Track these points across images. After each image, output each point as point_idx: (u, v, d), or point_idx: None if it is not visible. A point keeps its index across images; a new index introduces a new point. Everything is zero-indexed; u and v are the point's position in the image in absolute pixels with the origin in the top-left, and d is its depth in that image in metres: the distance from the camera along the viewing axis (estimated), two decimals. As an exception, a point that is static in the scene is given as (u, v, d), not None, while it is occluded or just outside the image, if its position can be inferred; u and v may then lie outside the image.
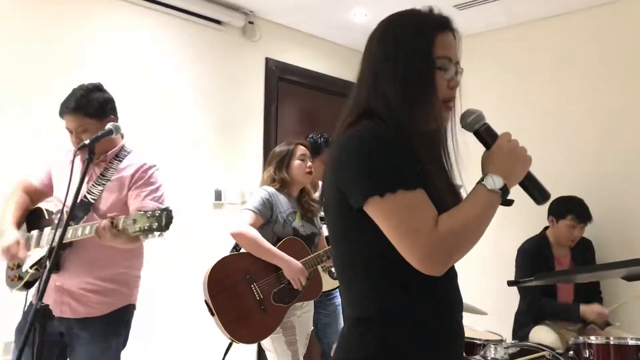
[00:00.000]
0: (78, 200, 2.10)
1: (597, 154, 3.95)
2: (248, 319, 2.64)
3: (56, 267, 2.24)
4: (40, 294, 1.74)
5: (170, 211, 1.95)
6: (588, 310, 3.45)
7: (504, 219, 4.22)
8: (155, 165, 2.41)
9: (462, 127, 1.33)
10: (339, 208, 1.26)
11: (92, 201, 2.30)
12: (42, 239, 2.34)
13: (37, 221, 2.43)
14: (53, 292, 2.28)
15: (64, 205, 2.11)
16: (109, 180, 2.33)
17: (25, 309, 2.36)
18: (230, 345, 2.82)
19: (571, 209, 3.55)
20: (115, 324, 2.35)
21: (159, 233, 1.95)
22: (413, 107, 1.24)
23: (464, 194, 1.30)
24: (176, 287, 3.60)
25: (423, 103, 1.24)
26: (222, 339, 2.70)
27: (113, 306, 2.34)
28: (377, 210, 1.19)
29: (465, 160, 1.38)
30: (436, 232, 1.15)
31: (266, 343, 2.80)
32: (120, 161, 2.38)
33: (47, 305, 1.72)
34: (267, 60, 4.35)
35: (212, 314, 2.63)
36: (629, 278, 2.01)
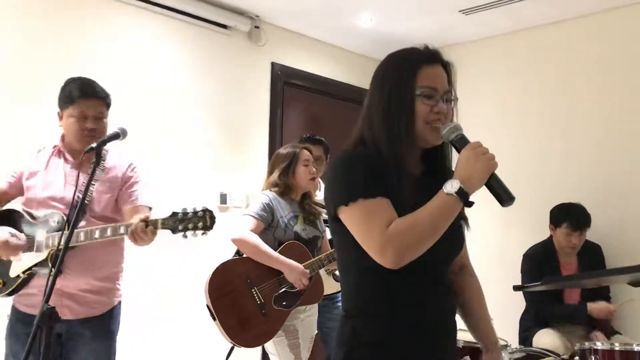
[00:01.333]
0: (75, 203, 2.18)
1: (603, 159, 3.93)
2: (249, 324, 2.64)
3: (58, 270, 2.22)
4: (47, 296, 1.75)
5: (212, 211, 2.12)
6: (595, 307, 3.44)
7: (508, 226, 4.26)
8: (139, 163, 2.47)
9: (442, 139, 1.44)
10: (331, 218, 1.48)
11: (87, 202, 2.27)
12: (42, 242, 2.26)
13: (15, 224, 2.32)
14: (52, 294, 2.26)
15: (75, 206, 2.15)
16: (96, 180, 2.31)
17: (9, 315, 2.33)
18: (231, 349, 2.82)
19: (567, 216, 3.55)
20: (113, 321, 2.39)
21: (202, 232, 2.10)
22: (391, 131, 1.41)
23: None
24: (180, 291, 3.60)
25: (400, 128, 1.41)
26: (224, 343, 2.70)
27: (110, 304, 2.38)
28: (344, 217, 1.41)
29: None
30: (386, 231, 1.32)
31: (269, 347, 2.80)
32: (104, 160, 2.36)
33: (54, 308, 1.73)
34: (273, 64, 4.37)
35: (214, 319, 2.63)
36: (635, 284, 2.00)
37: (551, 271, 3.54)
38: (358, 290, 1.46)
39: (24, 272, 2.25)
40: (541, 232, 3.74)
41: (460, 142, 1.41)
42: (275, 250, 2.75)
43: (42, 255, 2.23)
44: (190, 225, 2.09)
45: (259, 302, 2.68)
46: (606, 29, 3.99)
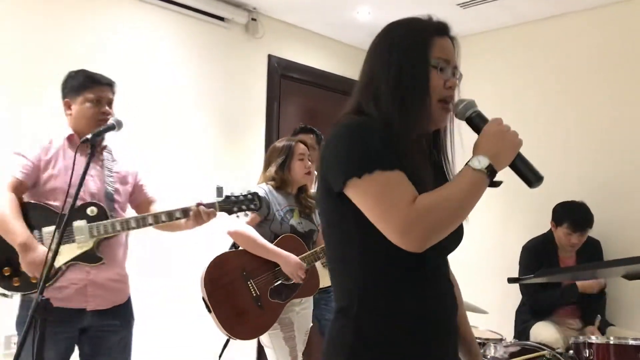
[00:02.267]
0: (104, 193, 2.32)
1: (603, 155, 3.92)
2: (245, 316, 2.65)
3: (100, 260, 2.27)
4: (42, 287, 1.75)
5: (258, 193, 2.47)
6: (585, 284, 3.46)
7: (507, 218, 4.27)
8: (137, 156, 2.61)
9: (454, 115, 1.35)
10: (325, 197, 1.30)
11: (112, 192, 2.38)
12: (85, 232, 2.25)
13: (45, 219, 2.25)
14: (86, 287, 2.28)
15: (106, 196, 2.32)
16: (113, 172, 2.41)
17: (22, 302, 2.31)
18: (227, 342, 2.83)
19: (569, 216, 3.55)
20: (131, 308, 2.50)
21: (253, 211, 2.46)
22: (404, 105, 1.26)
23: None
24: (175, 283, 3.60)
25: (414, 102, 1.27)
26: (220, 335, 2.71)
27: (128, 292, 2.48)
28: (355, 191, 1.21)
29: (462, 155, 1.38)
30: (412, 207, 1.16)
31: (264, 339, 2.81)
32: (110, 153, 2.45)
33: (48, 299, 1.73)
34: (270, 57, 4.35)
35: (209, 311, 2.64)
36: (630, 277, 1.99)
37: (550, 265, 3.55)
38: (359, 285, 1.27)
39: (65, 264, 2.24)
40: (540, 226, 3.74)
41: (479, 119, 1.32)
42: (272, 243, 2.75)
43: (88, 246, 2.24)
44: (243, 207, 2.39)
45: (254, 295, 2.68)
46: (605, 24, 3.98)
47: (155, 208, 2.49)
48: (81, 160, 2.24)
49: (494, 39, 4.47)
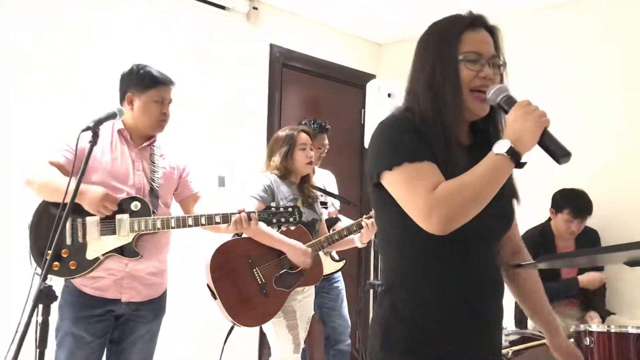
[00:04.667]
0: (149, 188, 2.37)
1: (604, 144, 3.92)
2: (250, 303, 2.67)
3: (137, 255, 2.30)
4: (44, 274, 1.76)
5: (299, 207, 2.50)
6: (586, 279, 3.47)
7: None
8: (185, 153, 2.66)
9: (489, 102, 1.39)
10: (371, 188, 1.42)
11: (157, 188, 2.41)
12: (127, 225, 2.28)
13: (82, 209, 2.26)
14: (122, 278, 2.31)
15: (151, 192, 2.37)
16: (160, 167, 2.46)
17: (64, 287, 2.33)
18: (231, 328, 2.84)
19: (569, 203, 3.55)
20: (165, 301, 2.54)
21: (293, 225, 2.48)
22: (437, 99, 1.36)
23: None
24: (178, 271, 3.61)
25: (446, 96, 1.35)
26: (224, 322, 2.72)
27: (164, 286, 2.52)
28: (388, 182, 1.34)
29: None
30: (433, 193, 1.25)
31: (267, 327, 2.83)
32: (159, 148, 2.50)
33: (51, 287, 1.74)
34: (272, 46, 4.34)
35: (214, 298, 2.66)
36: (631, 263, 1.99)
37: (547, 254, 3.55)
38: (399, 264, 1.40)
39: (104, 255, 2.27)
40: (539, 215, 3.74)
41: (508, 103, 1.35)
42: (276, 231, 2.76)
43: (127, 239, 2.27)
44: (282, 219, 2.41)
45: (260, 282, 2.70)
46: (608, 13, 3.95)
47: (200, 204, 2.54)
48: (137, 158, 2.38)
49: (504, 25, 4.42)
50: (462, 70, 1.36)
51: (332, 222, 3.39)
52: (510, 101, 1.35)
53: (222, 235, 2.85)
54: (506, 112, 1.35)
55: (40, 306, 1.70)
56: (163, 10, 3.77)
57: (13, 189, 3.01)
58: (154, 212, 2.33)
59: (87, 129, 2.06)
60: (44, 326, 1.71)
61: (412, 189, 1.28)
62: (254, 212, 2.37)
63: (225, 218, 2.34)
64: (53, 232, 1.88)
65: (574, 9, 4.11)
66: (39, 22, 3.24)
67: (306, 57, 4.55)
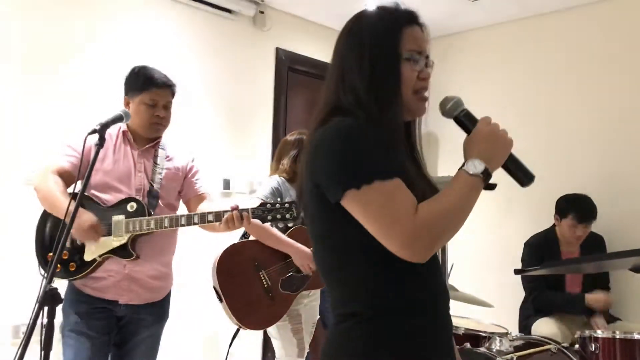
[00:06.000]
0: (148, 189, 2.34)
1: (608, 149, 3.92)
2: (256, 306, 2.67)
3: (135, 255, 2.28)
4: (50, 276, 1.76)
5: (296, 202, 2.30)
6: (592, 298, 3.44)
7: (510, 212, 4.25)
8: (195, 154, 2.63)
9: (442, 114, 1.32)
10: (318, 204, 1.25)
11: (158, 189, 2.39)
12: (122, 227, 2.27)
13: (91, 211, 2.26)
14: (121, 280, 2.31)
15: (150, 193, 2.34)
16: (163, 168, 2.43)
17: (68, 288, 2.34)
18: (237, 331, 2.84)
19: (573, 208, 3.53)
20: (168, 305, 2.51)
21: (290, 222, 2.33)
22: (380, 99, 1.25)
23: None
24: (184, 273, 3.61)
25: (389, 95, 1.25)
26: (230, 324, 2.73)
27: (167, 290, 2.49)
28: (354, 203, 1.17)
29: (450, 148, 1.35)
30: (416, 219, 1.14)
31: (272, 331, 2.83)
32: (164, 150, 2.48)
33: (56, 289, 1.74)
34: (278, 50, 4.35)
35: (220, 300, 2.66)
36: (637, 270, 1.98)
37: (552, 260, 3.53)
38: (368, 284, 1.22)
39: (100, 256, 2.27)
40: (542, 221, 3.74)
41: (468, 119, 1.30)
42: (283, 234, 2.76)
43: (122, 240, 2.27)
44: (278, 216, 2.28)
45: (266, 285, 2.70)
46: (614, 17, 3.96)
47: (206, 205, 2.49)
48: (139, 159, 2.37)
49: (502, 32, 4.44)
50: (404, 70, 1.26)
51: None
52: (470, 117, 1.30)
53: (228, 237, 2.85)
54: (464, 127, 1.30)
55: (46, 308, 1.71)
56: (169, 14, 3.78)
57: (15, 190, 3.03)
58: (150, 213, 2.31)
59: (94, 131, 2.06)
60: (49, 328, 1.71)
61: (390, 214, 1.14)
62: (246, 209, 2.27)
63: (218, 216, 2.27)
64: (58, 237, 1.89)
65: (555, 19, 4.12)
66: (39, 23, 3.25)
67: (312, 60, 4.56)
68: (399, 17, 1.31)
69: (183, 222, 2.29)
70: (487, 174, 1.21)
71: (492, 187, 1.25)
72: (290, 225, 2.43)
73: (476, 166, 1.21)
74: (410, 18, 1.31)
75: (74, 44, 3.34)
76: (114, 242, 2.27)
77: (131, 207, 2.29)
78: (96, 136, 2.23)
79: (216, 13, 3.99)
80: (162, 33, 3.74)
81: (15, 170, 3.07)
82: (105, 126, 2.09)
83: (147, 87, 2.37)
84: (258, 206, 2.30)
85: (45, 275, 2.22)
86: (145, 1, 3.67)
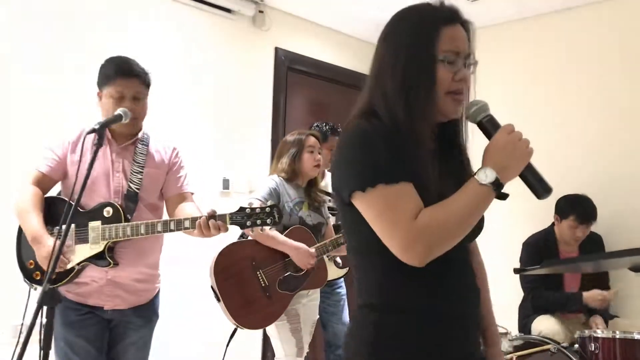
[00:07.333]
0: (125, 192, 2.23)
1: (608, 149, 3.91)
2: (253, 306, 2.66)
3: (115, 262, 2.20)
4: (48, 276, 1.75)
5: (278, 206, 2.22)
6: (590, 296, 3.43)
7: (511, 213, 4.25)
8: (180, 148, 2.47)
9: (466, 118, 1.31)
10: (340, 204, 1.31)
11: (137, 191, 2.26)
12: (98, 234, 2.19)
13: (61, 214, 2.19)
14: (104, 286, 2.24)
15: (127, 195, 2.22)
16: (143, 167, 2.30)
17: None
18: (235, 331, 2.84)
19: (574, 209, 3.53)
20: (156, 306, 2.43)
21: (270, 227, 2.19)
22: (409, 101, 1.24)
23: None
24: (181, 274, 3.61)
25: (420, 98, 1.24)
26: (227, 324, 2.72)
27: (154, 291, 2.41)
28: (360, 204, 1.23)
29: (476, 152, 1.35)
30: (414, 224, 1.16)
31: (271, 330, 2.83)
32: (146, 145, 2.34)
33: (55, 289, 1.74)
34: (277, 49, 4.34)
35: (218, 300, 2.65)
36: (635, 269, 1.99)
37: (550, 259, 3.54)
38: (383, 281, 1.27)
39: (78, 264, 2.19)
40: (544, 221, 3.73)
41: (491, 125, 1.27)
42: (281, 234, 2.76)
43: (98, 248, 2.18)
44: (258, 221, 2.13)
45: (263, 285, 2.69)
46: (615, 16, 3.95)
47: (188, 207, 2.34)
48: (117, 159, 2.25)
49: (501, 32, 4.44)
50: (439, 71, 1.24)
51: (340, 227, 3.39)
52: (493, 123, 1.28)
53: (226, 237, 2.85)
54: (486, 132, 1.28)
55: (44, 308, 1.70)
56: (168, 13, 3.78)
57: (15, 189, 3.02)
58: (127, 218, 2.19)
59: (93, 131, 2.02)
60: (48, 327, 1.70)
61: (389, 218, 1.18)
62: (224, 215, 2.13)
63: (194, 222, 2.13)
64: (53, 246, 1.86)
65: (555, 19, 4.12)
66: (40, 22, 3.25)
67: (311, 60, 4.56)
68: (438, 16, 1.28)
69: (159, 229, 2.16)
70: (497, 184, 1.20)
71: (504, 196, 1.22)
72: (267, 228, 2.25)
73: (487, 175, 1.20)
74: (449, 16, 1.29)
75: (74, 43, 3.33)
76: (90, 249, 2.18)
77: (107, 212, 2.19)
78: (77, 134, 2.24)
79: (216, 13, 3.98)
80: (162, 32, 3.74)
81: (18, 167, 3.06)
82: (104, 125, 2.08)
83: (114, 78, 2.22)
84: (236, 211, 2.15)
85: (31, 283, 2.24)
86: (144, 1, 3.66)
